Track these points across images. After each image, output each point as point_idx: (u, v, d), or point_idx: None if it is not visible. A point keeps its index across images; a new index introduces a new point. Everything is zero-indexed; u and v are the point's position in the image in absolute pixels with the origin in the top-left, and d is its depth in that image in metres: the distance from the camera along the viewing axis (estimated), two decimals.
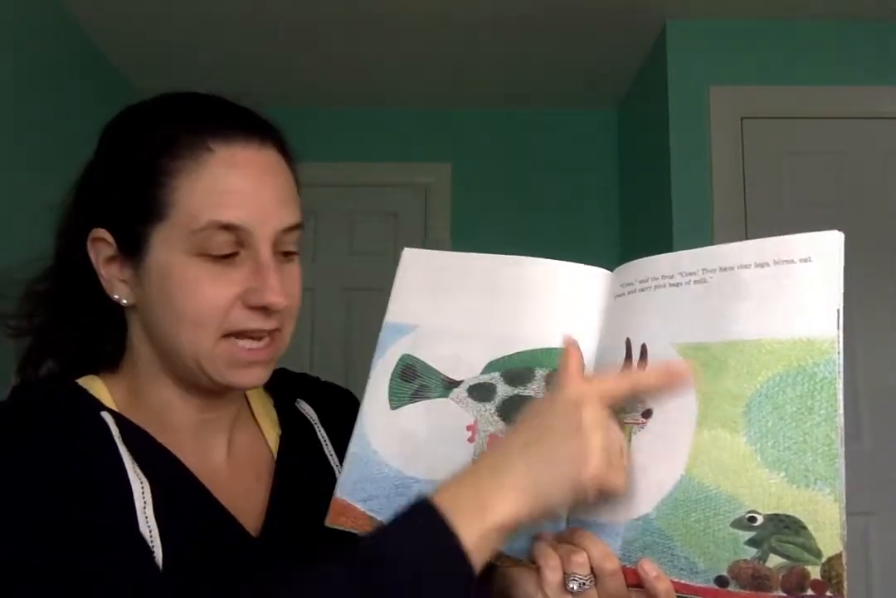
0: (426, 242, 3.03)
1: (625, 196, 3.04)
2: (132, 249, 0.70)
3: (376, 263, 2.96)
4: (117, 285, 0.72)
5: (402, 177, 3.10)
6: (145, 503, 0.65)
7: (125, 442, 0.68)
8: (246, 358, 0.70)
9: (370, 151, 3.06)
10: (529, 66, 2.77)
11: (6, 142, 2.06)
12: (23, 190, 2.09)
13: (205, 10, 2.40)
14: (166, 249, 0.69)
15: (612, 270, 0.70)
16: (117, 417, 0.70)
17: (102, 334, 0.75)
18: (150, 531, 0.64)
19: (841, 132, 2.42)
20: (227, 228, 0.67)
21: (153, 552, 0.63)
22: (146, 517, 0.64)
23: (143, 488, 0.66)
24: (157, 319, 0.71)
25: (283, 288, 0.69)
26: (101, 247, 0.72)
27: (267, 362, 0.72)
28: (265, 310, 0.69)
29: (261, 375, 0.72)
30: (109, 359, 0.76)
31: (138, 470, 0.67)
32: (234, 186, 0.68)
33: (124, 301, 0.73)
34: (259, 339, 0.71)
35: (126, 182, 0.71)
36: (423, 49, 2.66)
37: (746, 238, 2.30)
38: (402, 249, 0.79)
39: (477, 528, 0.56)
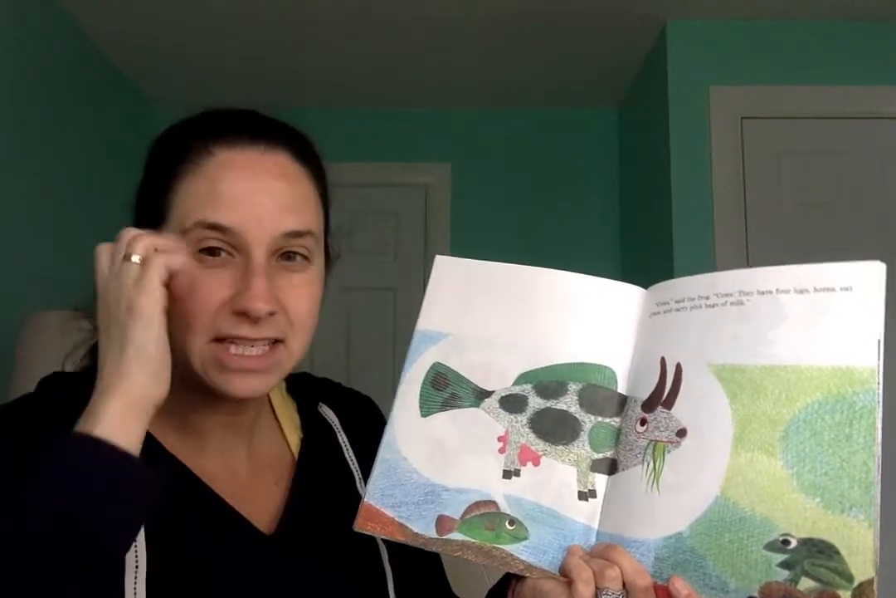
0: (427, 242, 3.03)
1: (625, 196, 3.04)
2: None
3: (376, 263, 2.96)
4: None
5: (402, 177, 3.10)
6: None
7: None
8: (236, 365, 0.68)
9: (370, 151, 3.05)
10: (529, 66, 2.77)
11: (6, 142, 2.05)
12: (23, 189, 2.09)
13: (204, 10, 2.39)
14: None
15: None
16: None
17: None
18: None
19: (841, 132, 2.42)
20: (215, 228, 0.67)
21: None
22: None
23: None
24: None
25: (270, 294, 0.67)
26: None
27: (264, 371, 0.70)
28: (250, 316, 0.67)
29: (256, 385, 0.70)
30: None
31: None
32: (227, 187, 0.68)
33: None
34: (253, 346, 0.69)
35: (144, 191, 0.74)
36: (423, 49, 2.66)
37: (746, 239, 2.29)
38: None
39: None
